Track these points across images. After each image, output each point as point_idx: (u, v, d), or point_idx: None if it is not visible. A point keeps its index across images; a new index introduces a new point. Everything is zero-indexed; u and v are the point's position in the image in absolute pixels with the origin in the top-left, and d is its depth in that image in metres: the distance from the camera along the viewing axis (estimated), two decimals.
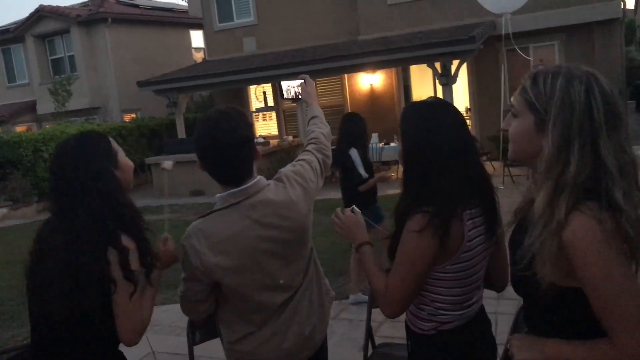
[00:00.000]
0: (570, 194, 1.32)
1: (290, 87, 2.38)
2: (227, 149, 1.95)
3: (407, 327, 1.98)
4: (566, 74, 1.38)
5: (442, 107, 1.85)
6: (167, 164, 2.06)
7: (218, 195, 2.07)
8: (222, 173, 2.01)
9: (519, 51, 7.09)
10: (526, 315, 1.58)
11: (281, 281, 2.08)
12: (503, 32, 7.16)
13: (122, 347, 4.85)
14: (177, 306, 5.45)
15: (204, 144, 1.98)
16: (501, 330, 2.09)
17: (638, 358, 1.33)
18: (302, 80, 2.42)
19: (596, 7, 12.42)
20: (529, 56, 13.31)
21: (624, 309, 1.31)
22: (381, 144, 11.90)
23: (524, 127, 1.44)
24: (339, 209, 2.02)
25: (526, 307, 1.57)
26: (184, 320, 2.74)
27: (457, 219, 1.71)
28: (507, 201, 1.75)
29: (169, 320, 5.24)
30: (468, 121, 15.03)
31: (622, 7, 12.73)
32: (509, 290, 1.70)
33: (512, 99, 1.54)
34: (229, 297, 2.09)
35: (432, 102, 1.87)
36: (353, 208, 2.02)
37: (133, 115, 19.89)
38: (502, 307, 3.79)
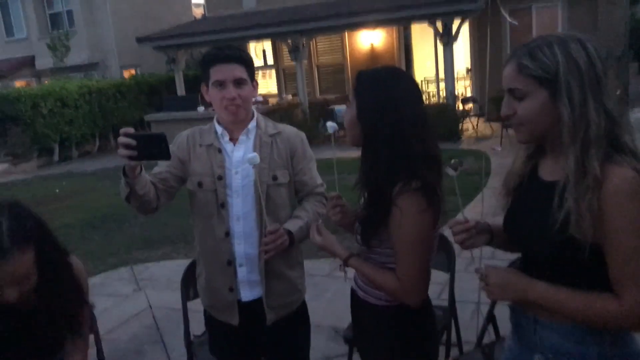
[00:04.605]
0: (597, 149, 1.33)
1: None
2: None
3: (362, 301, 1.88)
4: (557, 40, 1.39)
5: (404, 75, 1.79)
6: None
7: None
8: None
9: (506, 15, 6.86)
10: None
11: None
12: None
13: (119, 302, 4.93)
14: (174, 262, 5.58)
15: None
16: None
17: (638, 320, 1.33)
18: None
19: None
20: (531, 18, 13.15)
21: None
22: None
23: (539, 104, 1.41)
24: (313, 228, 1.92)
25: (546, 273, 1.46)
26: (180, 276, 2.82)
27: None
28: (507, 161, 1.73)
29: (165, 276, 5.35)
30: (468, 82, 14.94)
31: None
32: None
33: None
34: None
35: (395, 69, 1.80)
36: (318, 225, 1.93)
37: (132, 71, 19.73)
38: None
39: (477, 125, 12.35)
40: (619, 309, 1.33)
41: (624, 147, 1.35)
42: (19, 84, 19.25)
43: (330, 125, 2.14)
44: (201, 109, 13.39)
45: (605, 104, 1.35)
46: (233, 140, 2.21)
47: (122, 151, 1.82)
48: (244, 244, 2.18)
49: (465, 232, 1.59)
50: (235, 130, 2.21)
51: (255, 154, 2.04)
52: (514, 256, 1.75)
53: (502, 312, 2.64)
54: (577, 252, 1.35)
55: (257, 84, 2.24)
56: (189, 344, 2.75)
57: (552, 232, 1.38)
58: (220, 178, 2.17)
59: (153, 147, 1.82)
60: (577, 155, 1.35)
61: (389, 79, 1.72)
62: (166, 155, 1.86)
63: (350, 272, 1.89)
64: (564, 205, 1.36)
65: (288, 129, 2.31)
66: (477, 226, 1.64)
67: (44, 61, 19.24)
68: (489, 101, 12.61)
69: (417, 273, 1.68)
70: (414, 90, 1.74)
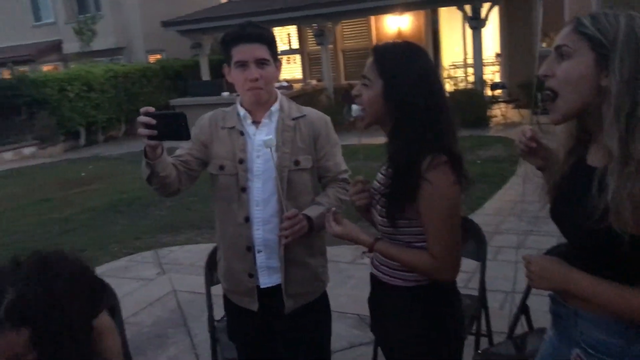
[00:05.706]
0: None
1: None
2: None
3: (388, 285, 1.81)
4: (625, 13, 1.30)
5: (423, 50, 1.75)
6: None
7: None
8: None
9: None
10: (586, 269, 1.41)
11: None
12: None
13: (143, 285, 4.96)
14: (198, 246, 5.61)
15: None
16: None
17: None
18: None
19: None
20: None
21: None
22: None
23: (582, 67, 1.31)
24: (330, 218, 1.83)
25: (588, 262, 1.39)
26: (204, 260, 2.79)
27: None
28: None
29: (189, 260, 5.35)
30: (497, 67, 14.66)
31: None
32: None
33: (543, 44, 1.42)
34: None
35: (413, 44, 1.76)
36: (335, 215, 1.83)
37: (158, 56, 19.77)
38: None
39: (505, 111, 12.12)
40: None
41: None
42: (46, 68, 19.47)
43: (356, 108, 1.95)
44: (226, 94, 13.38)
45: None
46: (256, 123, 2.16)
47: (142, 130, 1.80)
48: (263, 229, 2.12)
49: (525, 146, 1.61)
50: (257, 112, 2.15)
51: (271, 136, 1.99)
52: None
53: (536, 303, 2.57)
54: (617, 242, 1.26)
55: (280, 63, 2.18)
56: (212, 329, 2.72)
57: (591, 220, 1.29)
58: (241, 161, 2.11)
59: (173, 127, 1.78)
60: (621, 135, 1.24)
61: (414, 53, 1.71)
62: (186, 136, 1.80)
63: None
64: (604, 193, 1.26)
65: (312, 113, 2.24)
66: (537, 148, 1.61)
67: (71, 45, 19.39)
68: (517, 87, 12.37)
69: (451, 247, 1.66)
70: (433, 64, 1.76)
